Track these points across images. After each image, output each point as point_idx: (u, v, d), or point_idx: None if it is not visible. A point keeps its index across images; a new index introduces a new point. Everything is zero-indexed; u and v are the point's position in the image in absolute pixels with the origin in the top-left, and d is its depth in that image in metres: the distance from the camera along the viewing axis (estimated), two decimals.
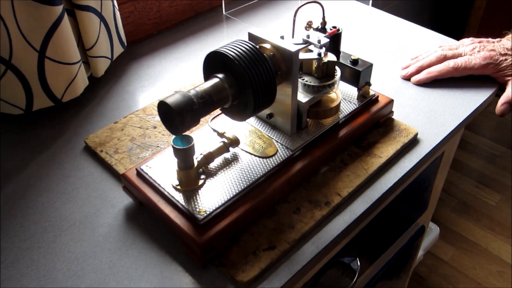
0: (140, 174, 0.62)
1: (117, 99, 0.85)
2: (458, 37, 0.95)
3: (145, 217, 0.63)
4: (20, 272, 0.58)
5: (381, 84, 0.86)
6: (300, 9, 0.66)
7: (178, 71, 0.92)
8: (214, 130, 0.65)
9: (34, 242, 0.61)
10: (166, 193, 0.58)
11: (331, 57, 0.65)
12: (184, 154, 0.56)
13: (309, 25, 0.71)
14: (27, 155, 0.74)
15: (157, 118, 0.78)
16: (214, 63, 0.57)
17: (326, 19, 0.70)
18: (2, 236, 0.62)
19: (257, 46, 0.56)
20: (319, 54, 0.62)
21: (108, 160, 0.71)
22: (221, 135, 0.64)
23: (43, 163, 0.73)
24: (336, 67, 0.66)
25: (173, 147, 0.56)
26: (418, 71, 0.86)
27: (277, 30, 1.01)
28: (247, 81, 0.54)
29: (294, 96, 0.61)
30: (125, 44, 0.90)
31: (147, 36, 1.02)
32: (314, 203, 0.62)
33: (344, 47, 0.94)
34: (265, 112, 0.66)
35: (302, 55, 0.62)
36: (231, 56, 0.54)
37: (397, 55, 0.94)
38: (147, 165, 0.62)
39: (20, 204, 0.66)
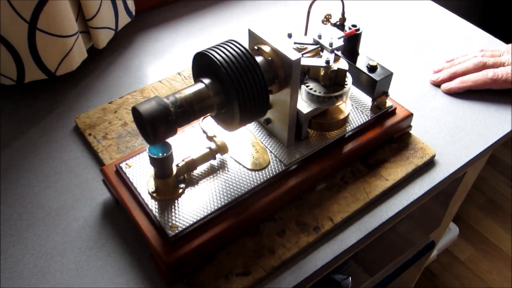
0: (118, 172, 0.57)
1: (118, 74, 0.80)
2: (508, 41, 0.84)
3: (121, 216, 0.59)
4: None
5: (406, 87, 0.77)
6: (317, 1, 0.58)
7: (187, 47, 0.86)
8: (204, 132, 0.59)
9: (6, 228, 0.59)
10: (140, 199, 0.54)
11: (342, 64, 0.57)
12: (160, 163, 0.51)
13: (327, 19, 0.63)
14: (15, 128, 0.71)
15: None
16: (202, 64, 0.51)
17: (346, 14, 0.62)
18: None
19: (248, 50, 0.49)
20: (327, 62, 0.54)
21: (95, 146, 0.66)
22: (210, 138, 0.58)
23: (31, 139, 0.69)
24: (348, 75, 0.58)
25: (148, 155, 0.50)
26: (451, 77, 0.76)
27: (290, 21, 0.91)
28: (232, 91, 0.47)
29: (293, 107, 0.55)
30: (133, 14, 0.84)
31: (159, 5, 0.95)
32: (302, 226, 0.57)
33: (375, 36, 0.85)
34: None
35: (307, 61, 0.54)
36: (217, 61, 0.47)
37: (433, 52, 0.84)
38: (127, 163, 0.57)
39: (0, 183, 0.63)
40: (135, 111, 0.46)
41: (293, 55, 0.50)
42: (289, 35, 0.58)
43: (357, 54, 0.64)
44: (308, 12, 0.61)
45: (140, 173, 0.56)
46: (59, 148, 0.68)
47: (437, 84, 0.78)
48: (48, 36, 0.69)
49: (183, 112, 0.47)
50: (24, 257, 0.56)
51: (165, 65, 0.82)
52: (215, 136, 0.58)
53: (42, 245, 0.57)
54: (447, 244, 1.66)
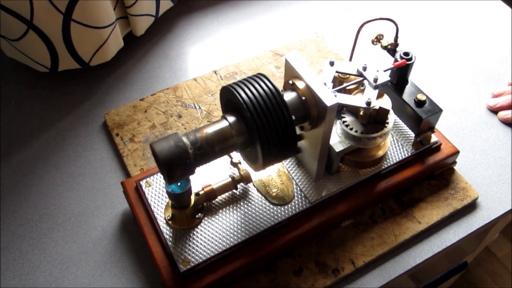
0: (138, 190, 0.56)
1: (153, 65, 0.77)
2: None
3: (139, 231, 0.58)
4: (6, 262, 0.56)
5: (458, 110, 0.70)
6: (369, 24, 0.53)
7: (230, 37, 0.81)
8: (229, 156, 0.56)
9: (27, 230, 0.59)
10: (156, 225, 0.52)
11: (385, 102, 0.52)
12: (177, 198, 0.49)
13: (378, 39, 0.57)
14: (47, 117, 0.70)
15: (186, 103, 0.70)
16: (228, 99, 0.47)
17: (399, 40, 0.56)
18: (2, 213, 0.60)
19: (277, 89, 0.44)
20: (368, 103, 0.49)
21: (121, 148, 0.65)
22: (234, 164, 0.55)
23: (60, 131, 0.69)
24: (390, 114, 0.53)
25: (165, 189, 0.48)
26: (511, 106, 0.69)
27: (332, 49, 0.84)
28: (256, 134, 0.44)
29: (324, 146, 0.50)
30: None
31: None
32: (321, 267, 0.54)
33: (431, 48, 0.77)
34: None
35: (345, 99, 0.50)
36: (242, 100, 0.43)
37: (497, 71, 0.76)
38: (147, 182, 0.56)
39: (27, 179, 0.64)
40: (152, 148, 0.44)
41: (329, 100, 0.45)
42: (331, 63, 0.52)
43: (406, 82, 0.58)
44: (357, 35, 0.55)
45: (160, 194, 0.55)
46: (86, 145, 0.67)
47: (495, 111, 0.70)
48: (83, 27, 0.66)
49: (202, 154, 0.44)
50: (41, 264, 0.56)
51: (203, 58, 0.78)
52: (239, 162, 0.55)
53: (59, 253, 0.57)
54: (487, 241, 1.60)
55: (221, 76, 0.74)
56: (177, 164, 0.43)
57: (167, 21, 0.83)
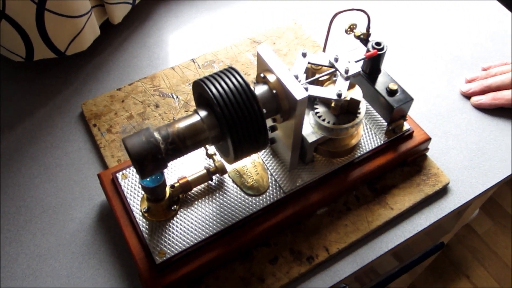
0: (114, 182, 0.56)
1: (131, 54, 0.77)
2: None
3: (116, 222, 0.59)
4: None
5: (432, 96, 0.71)
6: (341, 14, 0.53)
7: (208, 23, 0.81)
8: (204, 147, 0.56)
9: (4, 223, 0.60)
10: (132, 217, 0.53)
11: (356, 93, 0.53)
12: (151, 191, 0.50)
13: (351, 29, 0.57)
14: (23, 109, 0.70)
15: (164, 92, 0.70)
16: (200, 93, 0.47)
17: (371, 30, 0.56)
18: None
19: (247, 83, 0.45)
20: (339, 95, 0.50)
21: (98, 139, 0.65)
22: (210, 156, 0.56)
23: (37, 122, 0.69)
24: (362, 105, 0.53)
25: (139, 182, 0.49)
26: (483, 91, 0.70)
27: (305, 41, 0.83)
28: (225, 127, 0.44)
29: (297, 137, 0.51)
30: None
31: None
32: (296, 255, 0.55)
33: (405, 34, 0.78)
34: None
35: (316, 91, 0.50)
36: (212, 95, 0.44)
37: (471, 54, 0.77)
38: (123, 174, 0.56)
39: (3, 170, 0.64)
40: (124, 144, 0.44)
41: (298, 93, 0.46)
42: (304, 54, 0.53)
43: (379, 71, 0.58)
44: (330, 25, 0.55)
45: (136, 187, 0.55)
46: (63, 136, 0.67)
47: (468, 96, 0.71)
48: (57, 17, 0.65)
49: (174, 148, 0.45)
50: (18, 257, 0.57)
51: (181, 46, 0.78)
52: (215, 154, 0.55)
53: (36, 245, 0.58)
54: (465, 219, 1.64)
55: (199, 65, 0.73)
56: (148, 159, 0.43)
57: (145, 8, 0.83)
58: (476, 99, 0.70)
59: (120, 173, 0.56)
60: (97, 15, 0.73)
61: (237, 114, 0.44)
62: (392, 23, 0.81)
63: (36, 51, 0.69)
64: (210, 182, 0.56)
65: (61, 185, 0.62)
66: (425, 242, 0.98)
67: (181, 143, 0.45)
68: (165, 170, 0.51)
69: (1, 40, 0.67)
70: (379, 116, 0.60)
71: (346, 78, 0.51)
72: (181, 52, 0.77)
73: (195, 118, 0.46)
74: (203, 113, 0.46)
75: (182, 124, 0.46)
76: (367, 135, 0.59)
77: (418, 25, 0.81)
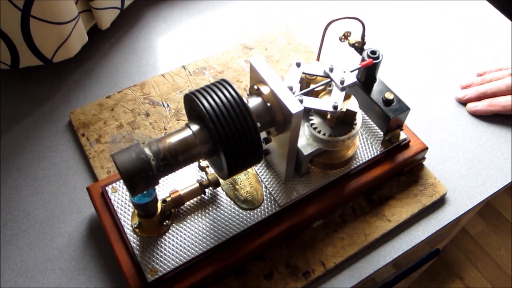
0: (103, 196, 0.54)
1: (120, 60, 0.75)
2: None
3: (105, 237, 0.57)
4: None
5: (428, 103, 0.70)
6: (339, 21, 0.51)
7: (199, 28, 0.79)
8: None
9: None
10: (123, 232, 0.51)
11: (352, 104, 0.51)
12: (142, 208, 0.48)
13: (345, 37, 0.56)
14: (9, 118, 0.68)
15: (154, 100, 0.68)
16: (191, 107, 0.46)
17: (366, 38, 0.55)
18: None
19: (240, 96, 0.43)
20: (335, 107, 0.48)
21: (87, 150, 0.63)
22: (202, 169, 0.54)
23: (24, 131, 0.67)
24: (358, 115, 0.52)
25: (130, 199, 0.47)
26: (479, 97, 0.69)
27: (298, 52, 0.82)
28: (218, 142, 0.43)
29: (292, 149, 0.50)
30: None
31: None
32: (292, 270, 0.54)
33: (400, 41, 0.76)
34: None
35: (312, 103, 0.49)
36: (204, 109, 0.42)
37: (467, 60, 0.76)
38: (113, 187, 0.54)
39: None
40: (114, 160, 0.42)
41: (294, 107, 0.44)
42: (298, 64, 0.51)
43: (374, 80, 0.57)
44: (324, 33, 0.54)
45: (126, 201, 0.54)
46: (50, 146, 0.65)
47: (463, 103, 0.70)
48: (43, 23, 0.63)
49: (166, 165, 0.43)
50: (5, 273, 0.55)
51: (171, 52, 0.76)
52: (207, 166, 0.54)
53: (23, 261, 0.56)
54: (462, 225, 1.64)
55: (190, 72, 0.72)
56: (139, 177, 0.42)
57: (134, 13, 0.81)
58: (472, 106, 0.69)
59: (110, 186, 0.54)
60: (85, 21, 0.71)
61: (230, 129, 0.43)
62: (384, 30, 0.80)
63: (21, 59, 0.67)
64: (203, 195, 0.54)
65: (48, 197, 0.61)
66: (422, 249, 0.97)
67: (173, 159, 0.43)
68: (155, 186, 0.50)
69: None
70: (374, 125, 0.59)
71: (342, 89, 0.50)
72: (171, 58, 0.75)
73: (187, 133, 0.44)
74: (195, 127, 0.45)
75: (173, 139, 0.44)
76: (363, 145, 0.58)
77: (411, 31, 0.80)
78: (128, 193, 0.54)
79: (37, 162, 0.64)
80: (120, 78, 0.73)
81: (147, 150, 0.43)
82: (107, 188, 0.54)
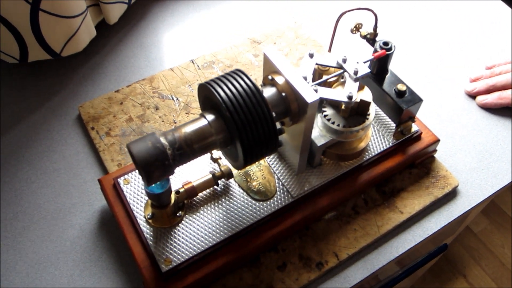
0: (116, 187, 0.54)
1: (127, 54, 0.75)
2: None
3: (118, 229, 0.57)
4: None
5: (438, 97, 0.70)
6: (347, 13, 0.51)
7: (206, 22, 0.79)
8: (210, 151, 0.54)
9: (2, 229, 0.57)
10: (136, 224, 0.51)
11: (366, 94, 0.51)
12: (156, 198, 0.48)
13: (356, 28, 0.56)
14: (18, 112, 0.68)
15: (164, 94, 0.68)
16: (206, 96, 0.46)
17: (378, 29, 0.55)
18: None
19: (256, 86, 0.43)
20: (350, 97, 0.48)
21: (97, 143, 0.63)
22: (215, 160, 0.54)
23: (33, 124, 0.66)
24: (371, 107, 0.52)
25: (144, 189, 0.47)
26: (489, 90, 0.69)
27: (309, 43, 0.82)
28: (235, 132, 0.42)
29: (306, 141, 0.50)
30: None
31: None
32: (305, 261, 0.54)
33: (410, 34, 0.76)
34: None
35: (326, 93, 0.48)
36: (220, 98, 0.42)
37: (474, 53, 0.76)
38: (125, 179, 0.54)
39: (0, 176, 0.61)
40: (129, 150, 0.42)
41: (309, 96, 0.44)
42: (311, 55, 0.51)
43: (386, 72, 0.57)
44: (336, 24, 0.54)
45: (139, 192, 0.53)
46: (60, 139, 0.65)
47: (473, 95, 0.70)
48: (52, 17, 0.63)
49: (181, 154, 0.43)
50: (16, 265, 0.55)
51: (179, 46, 0.76)
52: (220, 158, 0.54)
53: (35, 252, 0.56)
54: (467, 222, 1.64)
55: (198, 66, 0.72)
56: (155, 166, 0.41)
57: (141, 8, 0.81)
58: (481, 99, 0.69)
59: (122, 178, 0.54)
60: (93, 15, 0.71)
61: (246, 118, 0.42)
62: (393, 22, 0.80)
63: (30, 53, 0.66)
64: (215, 187, 0.54)
65: (59, 190, 0.60)
66: (426, 246, 0.97)
67: (189, 148, 0.43)
68: (170, 176, 0.49)
69: None
70: (386, 118, 0.59)
71: (355, 80, 0.50)
72: (179, 53, 0.75)
73: (202, 122, 0.44)
74: (210, 117, 0.44)
75: (188, 129, 0.44)
76: (375, 137, 0.58)
77: (420, 24, 0.80)
78: (141, 185, 0.54)
79: (47, 156, 0.63)
80: (129, 72, 0.72)
81: (162, 140, 0.42)
82: (119, 180, 0.54)
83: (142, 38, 0.77)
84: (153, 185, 0.47)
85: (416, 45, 0.77)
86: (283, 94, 0.46)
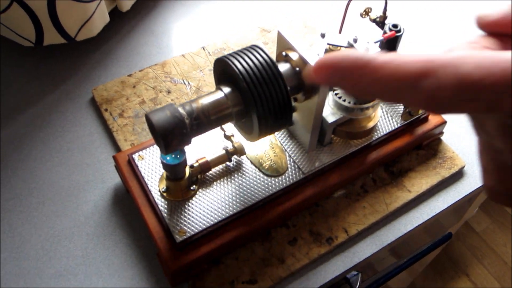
0: (130, 163, 0.55)
1: (139, 42, 0.76)
2: None
3: (131, 204, 0.58)
4: None
5: None
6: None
7: (216, 11, 0.80)
8: (222, 129, 0.56)
9: (17, 204, 0.58)
10: (151, 197, 0.52)
11: None
12: (172, 169, 0.49)
13: (366, 12, 0.57)
14: (32, 94, 0.69)
15: (175, 78, 0.69)
16: (222, 70, 0.47)
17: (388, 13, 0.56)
18: None
19: (272, 60, 0.45)
20: None
21: (110, 123, 0.64)
22: (228, 137, 0.55)
23: (47, 106, 0.68)
24: None
25: (160, 160, 0.48)
26: None
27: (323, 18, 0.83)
28: (252, 104, 0.44)
29: (318, 117, 0.51)
30: None
31: None
32: (315, 236, 0.55)
33: (418, 24, 0.78)
34: None
35: None
36: (237, 70, 0.43)
37: None
38: (140, 155, 0.55)
39: (14, 154, 0.63)
40: (148, 119, 0.43)
41: None
42: (322, 35, 0.53)
43: None
44: (346, 9, 0.55)
45: (153, 168, 0.55)
46: (74, 121, 0.66)
47: None
48: (69, 1, 0.65)
49: (198, 124, 0.44)
50: (32, 238, 0.56)
51: (189, 35, 0.77)
52: (232, 135, 0.55)
53: (50, 227, 0.57)
54: (466, 217, 1.65)
55: (209, 52, 0.73)
56: (174, 134, 0.43)
57: None
58: None
59: (137, 154, 0.55)
60: (106, 2, 0.73)
61: (263, 89, 0.44)
62: (402, 7, 0.82)
63: (46, 36, 0.68)
64: (228, 163, 0.55)
65: (73, 168, 0.62)
66: (423, 239, 0.97)
67: (206, 119, 0.45)
68: (187, 145, 0.51)
69: (12, 24, 0.66)
70: None
71: None
72: (190, 41, 0.76)
73: (219, 95, 0.46)
74: (226, 89, 0.46)
75: (206, 100, 0.45)
76: (384, 118, 0.59)
77: (431, 9, 0.82)
78: (155, 160, 0.55)
79: (61, 136, 0.65)
80: (141, 58, 0.74)
81: (181, 110, 0.44)
82: (133, 155, 0.55)
83: (153, 26, 0.79)
84: (170, 157, 0.48)
85: (423, 31, 0.78)
86: (297, 68, 0.47)
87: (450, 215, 0.89)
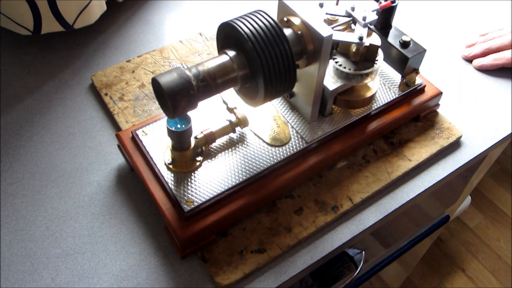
0: (134, 140, 0.56)
1: (137, 30, 0.77)
2: None
3: (135, 183, 0.58)
4: None
5: (436, 61, 0.73)
6: None
7: (213, 3, 0.82)
8: (224, 102, 0.57)
9: (19, 188, 0.58)
10: (156, 170, 0.52)
11: (374, 39, 0.54)
12: (178, 136, 0.49)
13: None
14: (30, 81, 0.69)
15: (173, 63, 0.70)
16: (227, 36, 0.48)
17: None
18: None
19: (277, 23, 0.46)
20: (361, 38, 0.51)
21: (111, 107, 0.64)
22: (231, 110, 0.56)
23: (46, 94, 0.68)
24: (379, 52, 0.55)
25: (167, 127, 0.49)
26: (484, 53, 0.72)
27: None
28: (258, 65, 0.44)
29: (319, 83, 0.52)
30: None
31: None
32: (320, 205, 0.55)
33: (409, 4, 0.80)
34: None
35: (339, 35, 0.51)
36: (244, 33, 0.44)
37: (468, 25, 0.80)
38: (143, 131, 0.56)
39: (14, 140, 0.62)
40: (155, 82, 0.44)
41: (324, 31, 0.47)
42: (321, 5, 0.54)
43: (390, 27, 0.60)
44: None
45: (157, 142, 0.55)
46: (74, 106, 0.66)
47: (469, 60, 0.73)
48: None
49: (205, 86, 0.45)
50: (36, 220, 0.55)
51: (185, 24, 0.78)
52: (235, 108, 0.56)
53: (54, 208, 0.56)
54: (459, 212, 1.66)
55: (206, 38, 0.74)
56: (181, 95, 0.43)
57: None
58: (478, 62, 0.72)
59: (141, 130, 0.56)
60: None
61: (268, 51, 0.45)
62: None
63: (44, 24, 0.68)
64: (232, 135, 0.56)
65: (75, 151, 0.62)
66: (410, 229, 0.97)
67: (212, 81, 0.45)
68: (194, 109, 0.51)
69: (10, 13, 0.66)
70: (392, 73, 0.62)
71: (365, 25, 0.53)
72: (186, 29, 0.77)
73: (225, 58, 0.46)
74: (231, 53, 0.47)
75: (211, 64, 0.46)
76: (382, 89, 0.61)
77: None
78: (159, 135, 0.55)
79: (62, 121, 0.65)
80: (139, 45, 0.75)
81: (187, 72, 0.44)
82: (137, 131, 0.56)
83: (149, 16, 0.79)
84: (177, 122, 0.48)
85: (412, 17, 0.80)
86: (299, 32, 0.48)
87: (434, 204, 0.90)
